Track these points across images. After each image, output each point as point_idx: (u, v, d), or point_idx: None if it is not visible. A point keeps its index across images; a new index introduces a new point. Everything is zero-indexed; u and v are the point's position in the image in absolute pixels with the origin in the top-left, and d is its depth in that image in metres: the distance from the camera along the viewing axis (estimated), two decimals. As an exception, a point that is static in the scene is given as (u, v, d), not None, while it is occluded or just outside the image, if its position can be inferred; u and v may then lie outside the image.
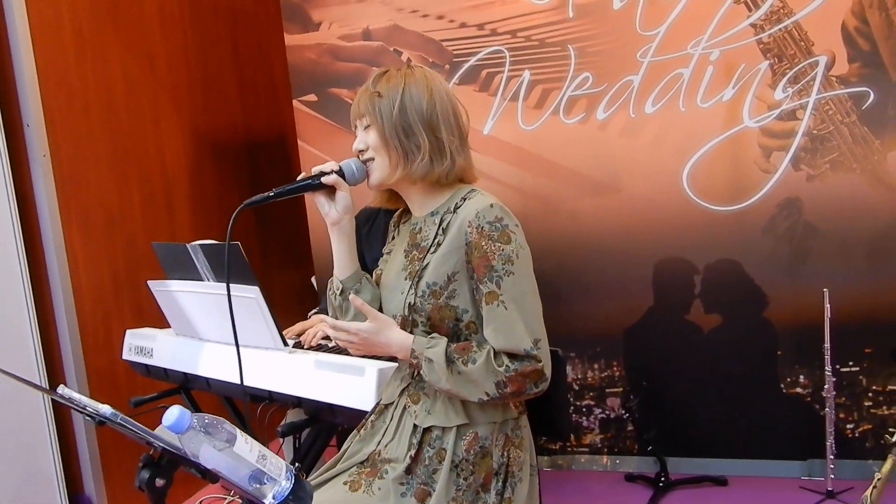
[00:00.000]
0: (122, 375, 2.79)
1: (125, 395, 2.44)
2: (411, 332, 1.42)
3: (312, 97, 3.26)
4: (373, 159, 1.43)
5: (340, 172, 1.44)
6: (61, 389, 0.96)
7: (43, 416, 2.62)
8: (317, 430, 1.95)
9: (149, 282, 2.22)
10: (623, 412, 2.99)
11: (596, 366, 3.02)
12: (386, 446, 1.40)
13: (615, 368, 3.01)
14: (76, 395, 0.95)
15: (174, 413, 0.88)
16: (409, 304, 1.40)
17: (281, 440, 1.85)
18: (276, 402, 1.93)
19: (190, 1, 3.37)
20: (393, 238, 1.58)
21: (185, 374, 2.21)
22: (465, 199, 1.41)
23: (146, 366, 2.38)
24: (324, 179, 1.43)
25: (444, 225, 1.41)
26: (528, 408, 1.51)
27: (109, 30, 2.92)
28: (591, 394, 3.04)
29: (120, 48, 2.97)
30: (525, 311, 1.34)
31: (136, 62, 3.05)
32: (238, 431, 0.93)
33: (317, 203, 1.47)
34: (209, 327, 2.10)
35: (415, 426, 1.38)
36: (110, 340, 2.78)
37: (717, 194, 2.80)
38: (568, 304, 2.99)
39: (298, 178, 1.46)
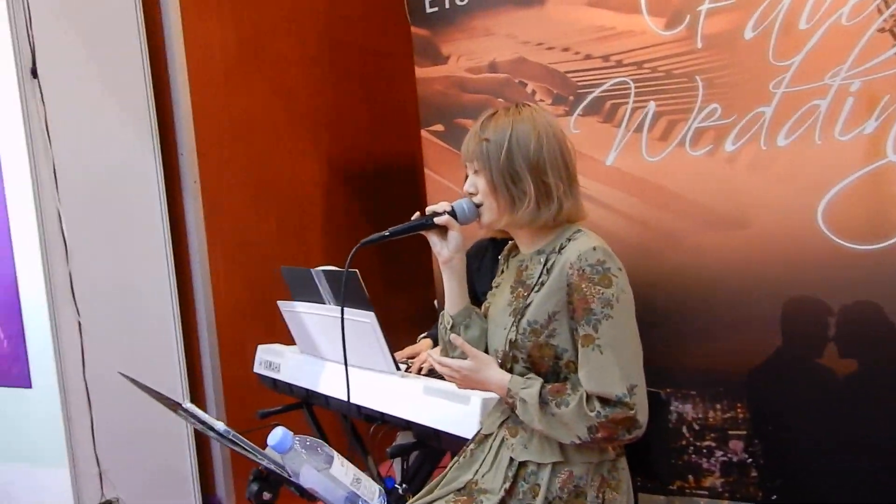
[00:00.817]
0: (255, 387, 2.98)
1: (257, 406, 2.61)
2: (511, 368, 1.44)
3: (440, 127, 3.37)
4: (482, 204, 1.48)
5: (452, 213, 1.50)
6: (186, 405, 1.07)
7: (182, 421, 2.84)
8: (425, 453, 2.00)
9: (278, 302, 2.37)
10: (746, 456, 2.84)
11: (718, 406, 2.90)
12: (483, 476, 1.43)
13: (738, 410, 2.87)
14: (199, 412, 1.05)
15: (278, 434, 0.96)
16: (511, 340, 1.43)
17: (391, 460, 1.93)
18: (388, 424, 2.01)
19: (329, 41, 3.58)
20: (502, 272, 1.62)
21: (307, 390, 2.34)
22: (569, 240, 1.44)
23: (274, 380, 2.53)
24: (436, 220, 1.49)
25: (548, 265, 1.43)
26: (626, 449, 1.49)
27: (254, 68, 3.17)
28: (713, 435, 2.91)
29: (262, 84, 3.21)
30: (621, 356, 1.34)
31: (276, 97, 3.28)
32: (336, 455, 1.00)
33: (430, 241, 1.54)
34: (329, 347, 2.22)
35: (511, 459, 1.40)
36: (245, 355, 2.97)
37: (855, 232, 2.62)
38: (688, 341, 2.90)
39: (413, 217, 1.53)
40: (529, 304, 1.42)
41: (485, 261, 2.58)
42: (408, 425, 1.90)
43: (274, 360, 2.53)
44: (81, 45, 2.55)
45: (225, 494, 2.96)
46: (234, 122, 3.07)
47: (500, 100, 3.19)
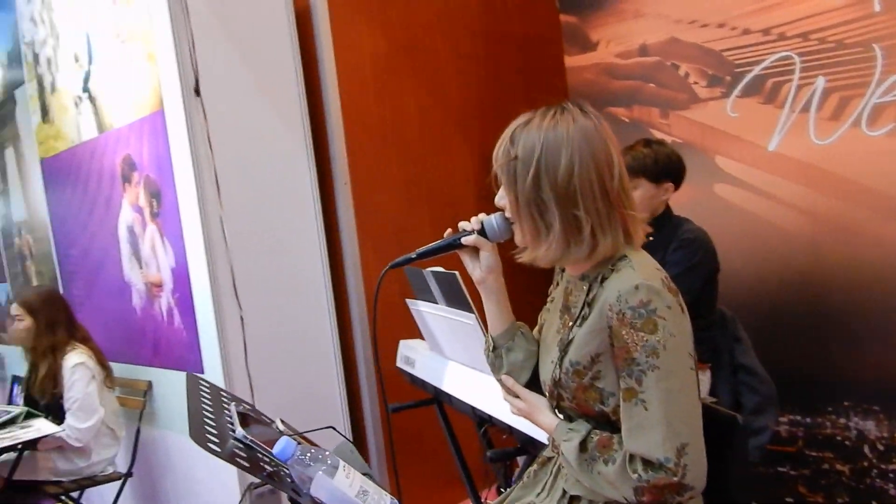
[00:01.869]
0: (405, 381, 3.10)
1: (408, 399, 2.71)
2: (558, 405, 1.34)
3: (590, 118, 3.25)
4: (514, 222, 1.31)
5: (482, 231, 1.36)
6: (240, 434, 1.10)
7: (338, 405, 3.03)
8: (530, 459, 1.96)
9: (407, 300, 2.44)
10: (939, 485, 2.44)
11: (907, 424, 2.52)
12: (542, 501, 1.36)
13: (933, 430, 2.47)
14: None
15: (281, 442, 1.00)
16: (555, 379, 1.31)
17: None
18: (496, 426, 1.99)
19: (483, 35, 3.59)
20: (556, 284, 1.47)
21: (435, 387, 2.39)
22: (612, 270, 1.25)
23: (411, 375, 2.61)
24: (464, 241, 1.36)
25: (589, 297, 1.27)
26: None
27: (406, 69, 3.27)
28: (900, 457, 2.54)
29: (414, 84, 3.30)
30: (669, 411, 1.16)
31: (429, 96, 3.35)
32: (342, 465, 1.01)
33: (462, 259, 1.41)
34: (448, 346, 2.24)
35: (564, 491, 1.31)
36: (394, 349, 3.09)
37: None
38: (869, 347, 2.54)
39: (445, 234, 1.42)
40: (572, 341, 1.28)
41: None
42: (510, 430, 1.87)
43: (411, 356, 2.61)
44: (240, 62, 2.79)
45: (379, 478, 3.10)
46: (385, 123, 3.19)
47: (651, 85, 3.01)
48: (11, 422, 2.87)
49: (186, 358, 2.87)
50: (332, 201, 3.04)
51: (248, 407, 1.35)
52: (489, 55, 3.60)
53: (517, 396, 1.41)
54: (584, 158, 1.22)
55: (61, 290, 3.82)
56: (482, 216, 1.39)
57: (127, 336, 3.25)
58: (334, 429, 1.53)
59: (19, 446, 2.68)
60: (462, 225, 1.40)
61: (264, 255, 2.83)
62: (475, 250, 1.38)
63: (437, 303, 2.19)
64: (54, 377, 2.92)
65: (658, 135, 3.00)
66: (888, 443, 2.55)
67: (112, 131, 3.08)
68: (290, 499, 1.00)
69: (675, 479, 1.15)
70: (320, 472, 0.99)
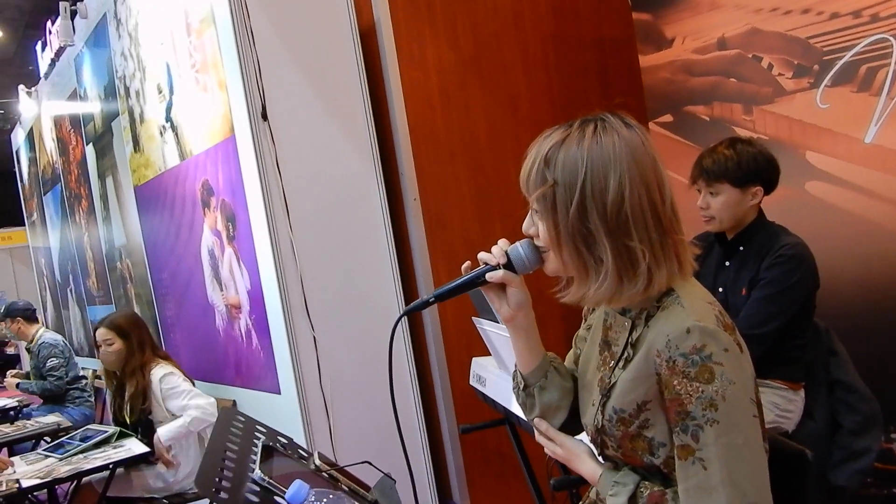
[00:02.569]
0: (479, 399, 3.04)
1: (485, 418, 2.65)
2: (602, 451, 1.21)
3: (668, 118, 3.09)
4: (547, 251, 1.16)
5: (508, 264, 1.20)
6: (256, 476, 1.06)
7: (416, 424, 3.00)
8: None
9: (473, 318, 2.38)
10: None
11: None
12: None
13: None
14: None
15: (294, 486, 0.96)
16: (597, 426, 1.19)
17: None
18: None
19: (554, 39, 3.49)
20: (592, 310, 1.32)
21: (504, 407, 2.31)
22: (659, 307, 1.11)
23: (483, 393, 2.55)
24: (488, 277, 1.20)
25: (633, 336, 1.14)
26: None
27: (473, 81, 3.21)
28: None
29: (483, 95, 3.24)
30: (733, 471, 1.03)
31: (498, 106, 3.29)
32: (358, 511, 0.96)
33: (486, 297, 1.25)
34: (513, 365, 2.16)
35: None
36: (469, 367, 3.04)
37: None
38: None
39: (463, 268, 1.25)
40: (614, 385, 1.15)
41: (709, 258, 2.28)
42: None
43: (482, 374, 2.55)
44: (306, 85, 2.82)
45: (460, 498, 3.06)
46: (453, 137, 3.15)
47: (732, 80, 2.83)
48: (105, 441, 3.00)
49: (264, 378, 2.91)
50: (402, 218, 3.03)
51: (283, 441, 1.32)
52: (561, 61, 3.50)
53: (552, 440, 1.28)
54: (634, 181, 1.08)
55: (156, 312, 3.99)
56: (504, 244, 1.23)
57: (212, 356, 3.35)
58: (370, 463, 1.48)
59: (111, 466, 2.79)
60: (483, 257, 1.23)
61: (336, 275, 2.85)
62: (501, 286, 1.22)
63: (498, 321, 2.11)
64: (144, 393, 3.04)
65: (742, 132, 2.80)
66: None
67: (192, 158, 3.19)
68: (302, 546, 0.96)
69: None
70: (333, 518, 0.95)
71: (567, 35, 3.54)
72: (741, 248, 2.12)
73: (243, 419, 1.30)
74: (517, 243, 1.21)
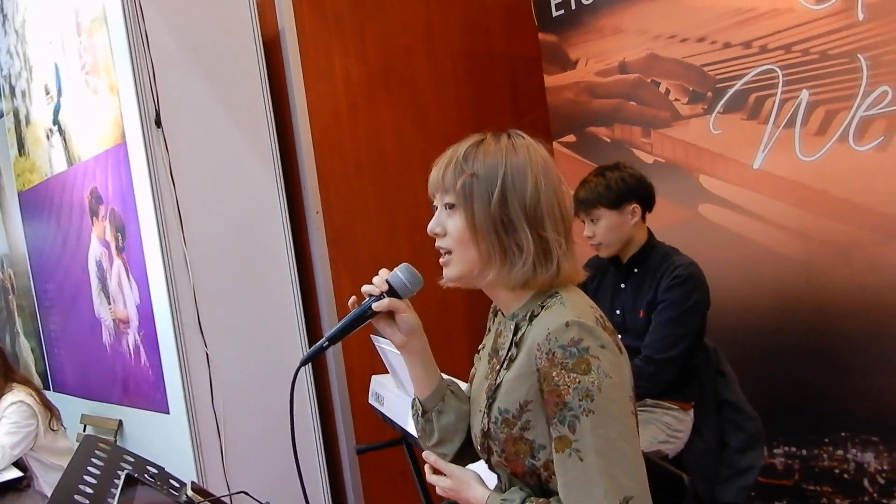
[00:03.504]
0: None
1: (386, 437, 2.59)
2: (489, 459, 1.21)
3: (571, 138, 3.14)
4: (450, 252, 1.18)
5: (392, 291, 1.22)
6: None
7: (313, 443, 2.91)
8: None
9: (371, 336, 2.33)
10: (945, 525, 2.27)
11: (908, 458, 2.36)
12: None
13: (936, 465, 2.31)
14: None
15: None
16: (483, 430, 1.19)
17: None
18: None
19: (465, 54, 3.49)
20: (489, 330, 1.34)
21: (402, 427, 2.27)
22: (542, 307, 1.15)
23: (381, 413, 2.50)
24: (374, 307, 1.22)
25: (517, 336, 1.17)
26: None
27: (382, 94, 3.17)
28: (904, 493, 2.38)
29: (392, 109, 3.20)
30: (608, 462, 1.04)
31: (407, 119, 3.26)
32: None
33: (378, 328, 1.26)
34: (409, 385, 2.12)
35: None
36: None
37: None
38: (866, 375, 2.39)
39: (349, 303, 1.26)
40: (500, 386, 1.17)
41: (605, 281, 2.32)
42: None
43: (381, 393, 2.50)
44: (205, 92, 2.71)
45: (358, 519, 2.99)
46: (360, 150, 3.10)
47: (632, 103, 2.90)
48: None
49: (153, 397, 2.77)
50: (304, 232, 2.95)
51: (153, 471, 1.24)
52: (471, 76, 3.51)
53: (442, 474, 1.26)
54: (548, 179, 1.16)
55: (40, 325, 3.75)
56: (384, 273, 1.26)
57: (98, 373, 3.17)
58: (247, 493, 1.41)
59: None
60: (366, 289, 1.25)
61: (232, 290, 2.74)
62: (390, 315, 1.24)
63: (395, 340, 2.07)
64: None
65: (641, 155, 2.88)
66: (889, 476, 2.39)
67: (80, 164, 3.02)
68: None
69: None
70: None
71: (478, 51, 3.55)
72: (636, 270, 2.18)
73: (108, 448, 1.21)
74: (395, 269, 1.25)
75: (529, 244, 1.14)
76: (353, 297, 1.26)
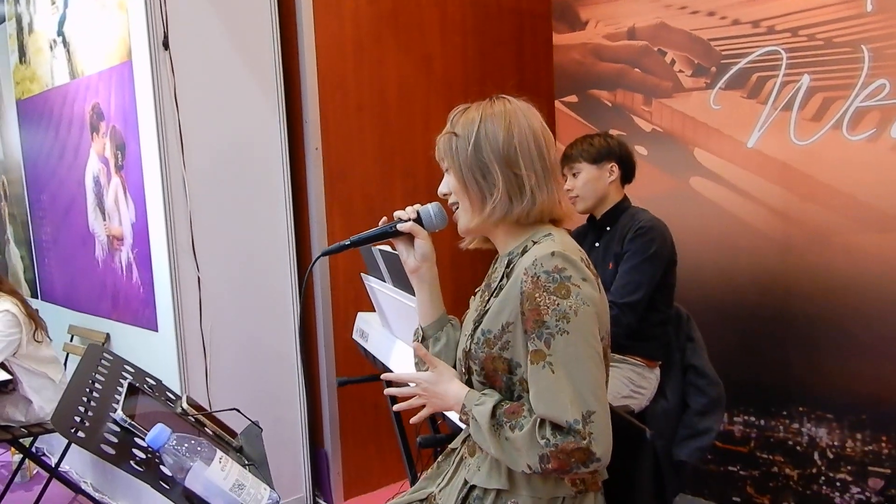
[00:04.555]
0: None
1: (364, 372, 2.68)
2: (468, 381, 1.32)
3: (573, 98, 3.17)
4: (457, 204, 1.34)
5: (418, 219, 1.39)
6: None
7: (293, 374, 3.01)
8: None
9: (362, 274, 2.40)
10: (883, 500, 2.42)
11: (859, 436, 2.49)
12: (440, 491, 1.34)
13: (883, 444, 2.44)
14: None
15: (155, 429, 0.96)
16: (465, 350, 1.32)
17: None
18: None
19: (473, 4, 3.49)
20: (487, 276, 1.46)
21: (383, 363, 2.36)
22: (535, 242, 1.28)
23: (364, 349, 2.58)
24: (399, 227, 1.39)
25: (509, 268, 1.29)
26: (608, 487, 1.30)
27: (389, 37, 3.18)
28: (849, 468, 2.51)
29: (397, 53, 3.21)
30: (576, 377, 1.16)
31: (412, 65, 3.27)
32: (217, 456, 0.98)
33: (396, 249, 1.44)
34: (395, 325, 2.21)
35: (465, 481, 1.29)
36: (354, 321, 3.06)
37: None
38: (829, 356, 2.51)
39: (380, 222, 1.43)
40: (487, 311, 1.29)
41: (583, 246, 2.40)
42: (442, 417, 1.84)
43: (365, 330, 2.58)
44: (214, 17, 2.71)
45: (331, 448, 3.10)
46: (363, 90, 3.11)
47: (636, 70, 2.93)
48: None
49: (142, 314, 2.84)
50: (301, 166, 2.99)
51: (151, 382, 1.31)
52: (478, 26, 3.51)
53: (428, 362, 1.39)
54: (522, 125, 1.28)
55: (31, 234, 3.79)
56: (418, 206, 1.42)
57: (88, 286, 3.22)
58: (238, 410, 1.49)
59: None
60: (397, 214, 1.42)
61: (227, 217, 2.79)
62: (410, 239, 1.41)
63: (385, 281, 2.15)
64: None
65: (639, 122, 2.93)
66: (838, 451, 2.53)
67: (83, 78, 3.01)
68: (159, 490, 0.97)
69: (584, 443, 1.14)
70: (197, 463, 0.96)
71: (488, 3, 3.54)
72: (608, 229, 2.29)
73: (111, 357, 1.27)
74: (427, 204, 1.41)
75: (500, 180, 1.26)
76: (385, 217, 1.42)
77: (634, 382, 2.16)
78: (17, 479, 3.38)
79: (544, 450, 1.16)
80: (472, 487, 1.29)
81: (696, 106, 2.76)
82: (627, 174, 2.31)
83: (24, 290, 3.90)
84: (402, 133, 3.24)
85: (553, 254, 1.20)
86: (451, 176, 1.33)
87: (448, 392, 1.32)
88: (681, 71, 2.80)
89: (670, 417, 2.20)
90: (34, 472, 3.53)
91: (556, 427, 1.16)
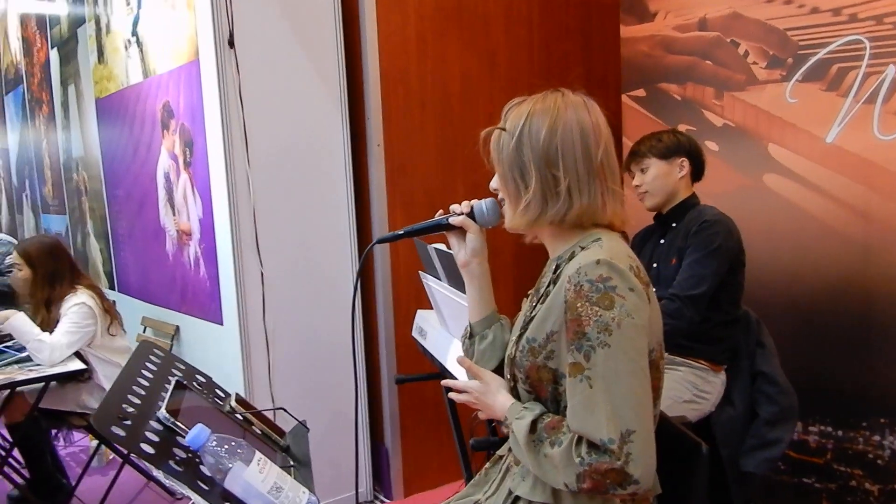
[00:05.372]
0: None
1: (423, 370, 2.67)
2: (514, 387, 1.28)
3: (641, 92, 3.08)
4: (504, 201, 1.30)
5: (471, 213, 1.37)
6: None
7: (356, 369, 3.02)
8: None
9: (420, 272, 2.38)
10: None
11: (946, 450, 2.33)
12: (487, 499, 1.30)
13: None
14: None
15: (195, 430, 0.96)
16: (510, 357, 1.27)
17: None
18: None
19: (539, -2, 3.42)
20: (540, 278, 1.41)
21: (441, 362, 2.34)
22: (582, 248, 1.22)
23: (423, 346, 2.57)
24: (451, 220, 1.38)
25: (555, 274, 1.24)
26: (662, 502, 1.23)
27: (452, 30, 3.15)
28: (934, 484, 2.36)
29: (460, 47, 3.18)
30: (615, 393, 1.09)
31: (475, 59, 3.23)
32: (256, 458, 0.97)
33: (448, 242, 1.42)
34: (451, 323, 2.18)
35: (509, 490, 1.25)
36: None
37: None
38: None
39: (436, 214, 1.42)
40: (533, 318, 1.25)
41: (646, 247, 2.33)
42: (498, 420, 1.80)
43: (424, 328, 2.56)
44: (278, 16, 2.74)
45: (391, 444, 3.11)
46: (426, 86, 3.10)
47: (707, 62, 2.81)
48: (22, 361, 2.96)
49: (208, 308, 2.91)
50: (363, 162, 2.99)
51: (201, 380, 1.32)
52: (544, 19, 3.44)
53: (472, 378, 1.36)
54: (569, 123, 1.22)
55: (109, 228, 3.93)
56: (474, 201, 1.40)
57: (159, 279, 3.33)
58: (285, 410, 1.49)
59: (45, 379, 2.78)
60: (453, 207, 1.41)
61: (290, 212, 2.82)
62: (462, 232, 1.39)
63: (441, 280, 2.12)
64: (51, 326, 2.95)
65: (710, 116, 2.81)
66: (922, 467, 2.37)
67: (155, 77, 3.10)
68: (197, 492, 0.97)
69: (618, 464, 1.08)
70: (236, 465, 0.95)
71: (553, -5, 3.48)
72: (674, 225, 2.21)
73: (161, 354, 1.29)
74: (483, 200, 1.39)
75: (534, 180, 1.21)
76: (441, 210, 1.42)
77: (697, 387, 2.07)
78: (93, 463, 3.51)
79: (580, 468, 1.10)
80: (518, 498, 1.25)
81: (770, 99, 2.63)
82: (697, 171, 2.24)
83: (103, 282, 4.06)
84: (464, 128, 3.21)
85: (598, 262, 1.14)
86: (497, 173, 1.30)
87: (495, 403, 1.29)
88: (755, 63, 2.67)
89: (736, 426, 2.10)
90: (110, 457, 3.67)
91: (592, 445, 1.11)
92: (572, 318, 1.14)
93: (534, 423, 1.19)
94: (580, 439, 1.12)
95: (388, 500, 3.14)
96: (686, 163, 2.20)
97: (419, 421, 3.17)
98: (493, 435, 2.34)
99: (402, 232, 1.41)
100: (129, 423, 0.97)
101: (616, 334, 1.10)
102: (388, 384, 3.08)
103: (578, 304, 1.13)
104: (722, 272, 2.09)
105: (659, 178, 2.20)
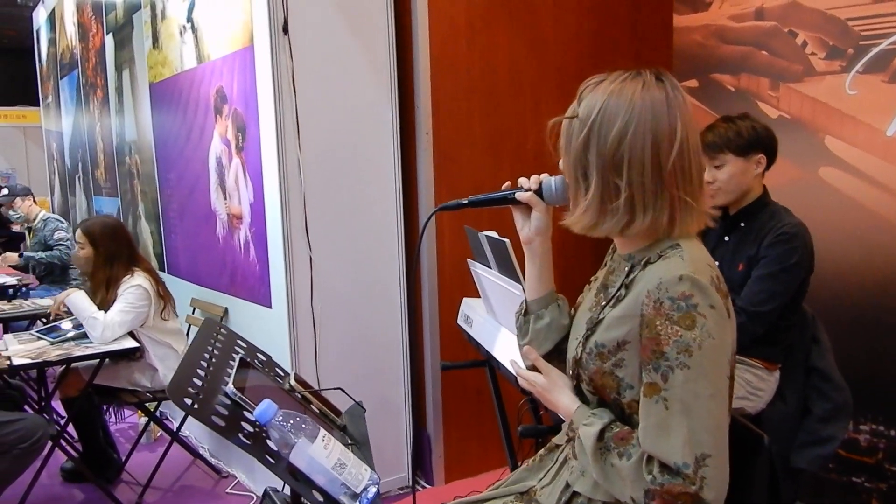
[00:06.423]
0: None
1: (467, 357, 2.69)
2: (577, 385, 1.26)
3: (694, 83, 3.03)
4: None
5: (539, 190, 1.31)
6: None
7: (399, 355, 3.06)
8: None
9: (468, 260, 2.39)
10: None
11: None
12: (542, 488, 1.30)
13: None
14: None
15: (263, 404, 0.99)
16: (576, 357, 1.24)
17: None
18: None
19: (591, -14, 3.39)
20: (605, 264, 1.37)
21: (487, 350, 2.35)
22: (661, 256, 1.15)
23: (469, 334, 2.58)
24: (518, 196, 1.31)
25: (629, 279, 1.19)
26: None
27: (502, 18, 3.14)
28: None
29: (510, 36, 3.17)
30: (693, 417, 1.06)
31: (524, 47, 3.22)
32: (321, 435, 0.99)
33: (514, 217, 1.36)
34: (499, 311, 2.19)
35: (567, 484, 1.24)
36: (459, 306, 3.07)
37: None
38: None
39: (503, 186, 1.36)
40: (601, 321, 1.20)
41: (710, 233, 2.28)
42: (545, 408, 1.80)
43: (470, 315, 2.58)
44: (331, 3, 2.76)
45: (434, 430, 3.14)
46: (474, 75, 3.10)
47: (763, 53, 2.76)
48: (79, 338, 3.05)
49: (257, 291, 2.96)
50: (412, 150, 3.01)
51: (262, 358, 1.35)
52: (594, 7, 3.41)
53: (537, 370, 1.34)
54: (642, 127, 1.12)
55: (160, 211, 4.02)
56: (544, 176, 1.33)
57: (209, 262, 3.39)
58: (343, 390, 1.52)
59: (100, 356, 2.87)
60: (521, 181, 1.35)
61: (339, 199, 2.85)
62: (528, 208, 1.33)
63: (490, 267, 2.13)
64: (109, 306, 3.04)
65: (765, 107, 2.76)
66: (981, 471, 2.31)
67: (209, 62, 3.15)
68: (265, 464, 1.00)
69: (693, 489, 1.05)
70: (301, 440, 0.98)
71: (607, -17, 3.44)
72: (742, 225, 2.13)
73: (225, 332, 1.33)
74: (553, 177, 1.31)
75: (594, 186, 1.15)
76: (509, 182, 1.36)
77: (752, 384, 2.04)
78: (142, 440, 3.61)
79: (650, 486, 1.08)
80: (575, 493, 1.24)
81: (828, 91, 2.57)
82: (771, 161, 2.11)
83: (153, 264, 4.16)
84: (512, 117, 3.20)
85: (681, 278, 1.08)
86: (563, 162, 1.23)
87: (559, 403, 1.27)
88: (813, 53, 2.61)
89: (788, 422, 2.07)
90: (158, 434, 3.77)
91: (664, 465, 1.08)
92: (650, 336, 1.10)
93: (602, 431, 1.16)
94: (650, 457, 1.10)
95: (428, 486, 3.17)
96: (763, 159, 2.07)
97: (462, 408, 3.19)
98: (540, 423, 2.35)
99: (465, 201, 1.37)
100: (200, 396, 1.00)
101: (696, 355, 1.06)
102: (432, 371, 3.10)
103: (658, 322, 1.09)
104: (793, 289, 2.01)
105: (735, 177, 2.06)
